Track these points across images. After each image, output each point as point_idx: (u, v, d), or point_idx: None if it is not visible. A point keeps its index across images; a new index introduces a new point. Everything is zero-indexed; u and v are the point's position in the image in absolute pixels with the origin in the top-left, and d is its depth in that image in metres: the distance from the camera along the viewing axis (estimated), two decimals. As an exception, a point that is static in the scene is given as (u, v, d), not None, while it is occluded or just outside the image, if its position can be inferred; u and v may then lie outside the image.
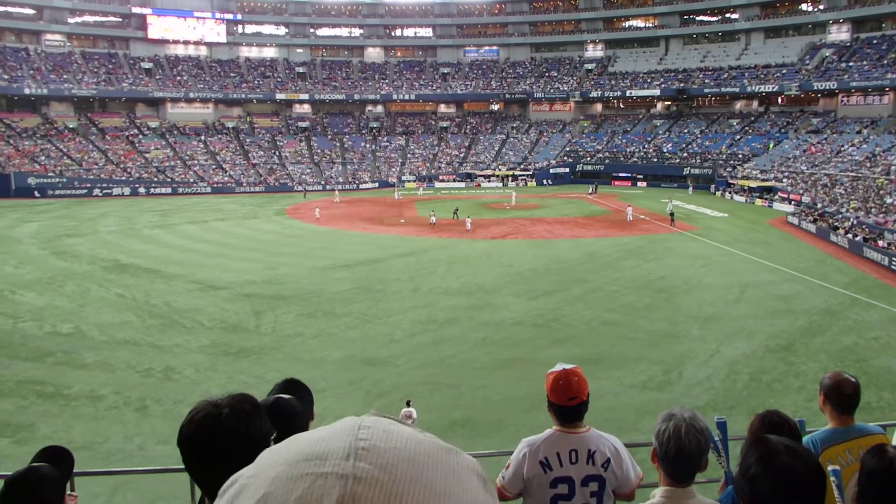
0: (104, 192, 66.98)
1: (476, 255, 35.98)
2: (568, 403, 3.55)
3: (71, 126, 77.02)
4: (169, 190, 70.05)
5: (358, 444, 0.72)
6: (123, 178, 70.39)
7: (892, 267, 31.78)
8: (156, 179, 71.85)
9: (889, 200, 44.58)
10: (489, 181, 78.52)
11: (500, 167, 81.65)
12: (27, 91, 74.62)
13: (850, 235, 37.98)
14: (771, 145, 70.78)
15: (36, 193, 63.61)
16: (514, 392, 16.61)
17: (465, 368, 19.04)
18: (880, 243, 35.13)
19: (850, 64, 70.75)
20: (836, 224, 41.51)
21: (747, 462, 2.15)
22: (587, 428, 3.62)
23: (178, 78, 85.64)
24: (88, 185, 67.20)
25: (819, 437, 3.87)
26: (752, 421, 3.58)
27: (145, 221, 49.02)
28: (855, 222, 40.79)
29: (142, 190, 68.71)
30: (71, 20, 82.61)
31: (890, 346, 21.05)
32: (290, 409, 2.64)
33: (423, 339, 21.99)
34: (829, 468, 3.09)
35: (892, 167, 53.29)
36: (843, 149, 62.91)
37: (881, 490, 2.62)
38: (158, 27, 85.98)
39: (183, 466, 1.94)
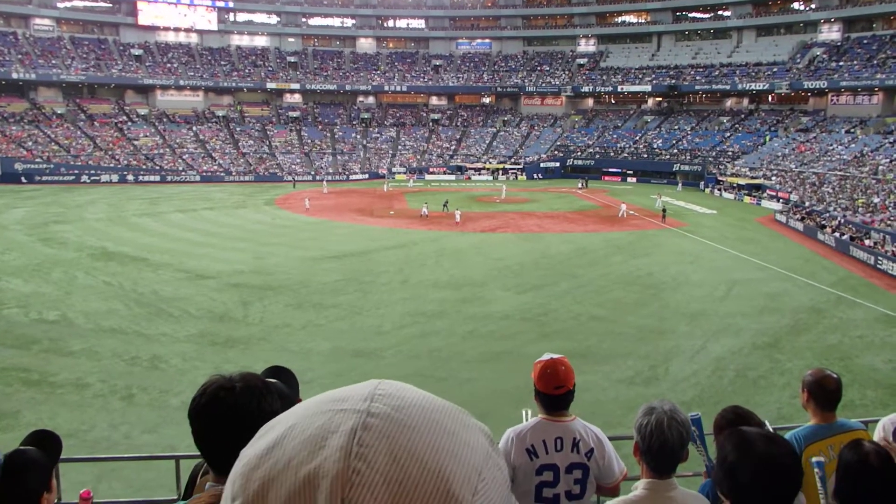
0: (92, 178, 66.56)
1: (465, 249, 35.99)
2: (554, 392, 3.60)
3: (59, 112, 76.45)
4: (157, 178, 69.71)
5: (376, 391, 0.80)
6: (112, 165, 69.97)
7: (878, 266, 32.02)
8: (144, 167, 71.47)
9: (876, 200, 44.90)
10: (479, 174, 78.56)
11: (490, 160, 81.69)
12: (15, 76, 73.98)
13: (836, 234, 38.22)
14: (767, 138, 71.15)
15: (23, 179, 63.16)
16: (502, 385, 16.64)
17: (453, 361, 19.06)
18: (867, 242, 35.37)
19: (841, 63, 71.10)
20: (823, 222, 41.77)
21: (724, 453, 2.17)
22: (573, 417, 3.68)
23: (169, 65, 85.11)
24: (76, 171, 66.77)
25: (801, 434, 3.91)
26: (715, 418, 3.58)
27: (133, 209, 48.74)
28: (842, 221, 41.05)
29: (130, 177, 68.32)
30: (60, 5, 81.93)
31: (874, 344, 21.23)
32: (280, 393, 2.64)
33: (411, 331, 21.99)
34: (814, 460, 3.13)
35: (880, 167, 53.66)
36: (831, 148, 63.28)
37: (857, 483, 2.66)
38: (149, 13, 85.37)
39: (168, 454, 1.94)
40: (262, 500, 0.69)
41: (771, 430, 3.62)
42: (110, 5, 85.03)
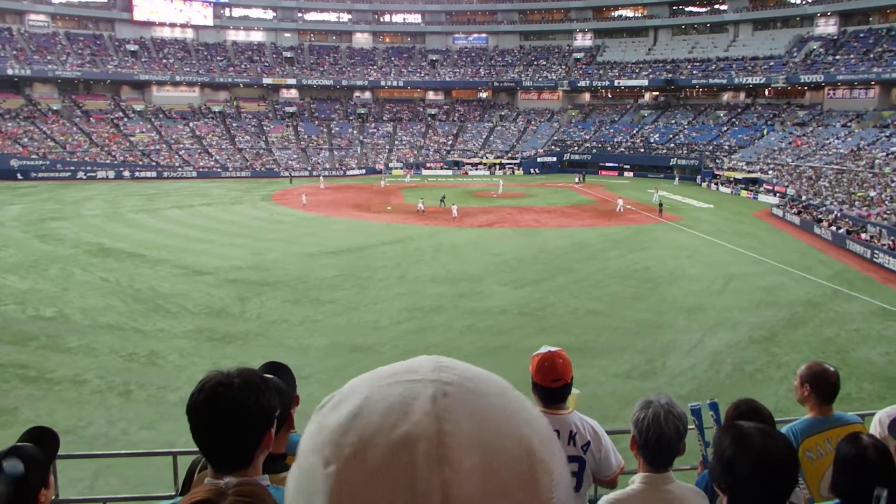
0: (88, 175, 66.35)
1: (463, 244, 36.00)
2: (552, 385, 3.61)
3: (55, 108, 76.21)
4: (154, 174, 69.53)
5: (440, 363, 0.83)
6: (108, 161, 69.77)
7: (875, 259, 32.09)
8: (141, 163, 71.28)
9: (872, 194, 44.97)
10: (476, 169, 78.45)
11: (487, 155, 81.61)
12: (10, 72, 73.68)
13: (833, 228, 38.29)
14: (765, 132, 71.20)
15: (19, 176, 62.93)
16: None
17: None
18: (863, 236, 35.45)
19: (837, 57, 71.09)
20: (819, 216, 41.83)
21: (722, 448, 2.18)
22: (570, 410, 3.69)
23: (165, 61, 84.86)
24: (72, 168, 66.56)
25: (798, 427, 3.92)
26: (727, 410, 3.65)
27: (130, 205, 48.66)
28: (838, 215, 41.12)
29: (126, 174, 68.13)
30: (55, 0, 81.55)
31: (871, 337, 21.30)
32: (277, 389, 2.65)
33: (408, 326, 22.01)
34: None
35: (877, 161, 53.72)
36: (828, 142, 63.31)
37: (855, 476, 2.67)
38: (144, 9, 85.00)
39: (166, 450, 1.95)
40: (359, 463, 0.72)
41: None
42: (106, 1, 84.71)
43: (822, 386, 3.93)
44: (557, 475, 0.78)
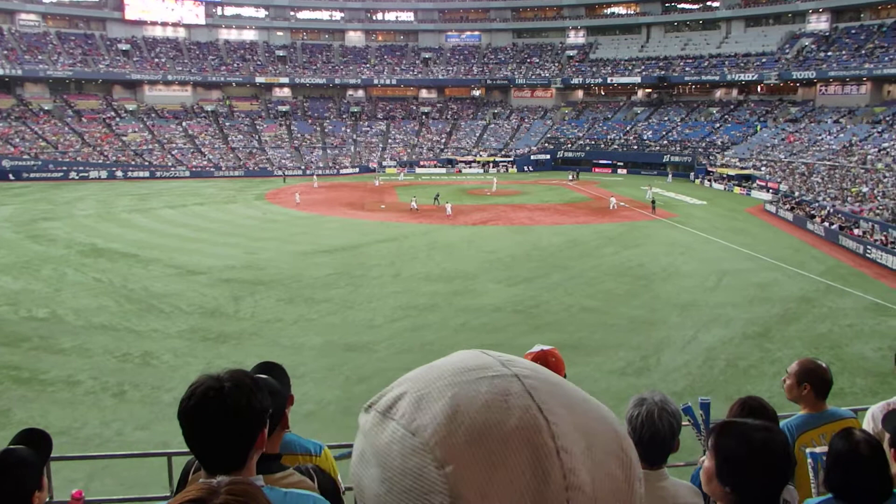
0: (80, 175, 66.09)
1: (457, 242, 36.00)
2: None
3: (46, 108, 75.90)
4: (147, 174, 69.28)
5: (501, 357, 0.85)
6: (100, 161, 69.52)
7: (867, 255, 32.21)
8: (133, 163, 71.04)
9: (865, 190, 45.14)
10: (470, 167, 78.44)
11: (481, 153, 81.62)
12: (1, 72, 73.37)
13: (826, 224, 38.42)
14: (758, 128, 71.42)
15: (10, 176, 62.64)
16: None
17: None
18: (856, 232, 35.57)
19: (829, 53, 71.35)
20: (812, 212, 41.97)
21: (725, 443, 2.20)
22: None
23: (157, 60, 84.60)
24: (64, 168, 66.30)
25: (794, 424, 3.94)
26: (732, 406, 3.66)
27: (123, 205, 48.51)
28: (831, 211, 41.26)
29: (119, 173, 67.88)
30: (46, 0, 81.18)
31: (863, 332, 21.39)
32: (271, 389, 2.65)
33: (403, 324, 22.01)
34: (808, 451, 3.15)
35: (869, 156, 53.94)
36: (820, 138, 63.53)
37: (847, 472, 2.68)
38: (136, 8, 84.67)
39: (160, 451, 1.95)
40: (477, 459, 0.73)
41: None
42: (97, 0, 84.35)
43: (818, 382, 3.95)
44: (636, 453, 0.82)
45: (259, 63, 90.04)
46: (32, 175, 63.89)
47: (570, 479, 0.72)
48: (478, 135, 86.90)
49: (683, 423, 3.31)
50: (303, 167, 75.39)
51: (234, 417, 1.88)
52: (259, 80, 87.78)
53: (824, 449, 3.29)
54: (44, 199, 50.77)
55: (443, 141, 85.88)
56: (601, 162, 76.85)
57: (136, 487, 9.99)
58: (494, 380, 0.80)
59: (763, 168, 59.93)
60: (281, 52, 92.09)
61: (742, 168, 62.05)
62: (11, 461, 2.66)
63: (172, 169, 71.13)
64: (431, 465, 0.75)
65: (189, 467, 2.69)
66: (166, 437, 13.17)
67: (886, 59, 65.75)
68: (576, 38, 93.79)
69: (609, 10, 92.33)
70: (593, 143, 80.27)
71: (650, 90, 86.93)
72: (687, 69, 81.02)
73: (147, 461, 9.71)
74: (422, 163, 79.43)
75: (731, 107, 79.98)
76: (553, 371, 2.94)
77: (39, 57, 77.08)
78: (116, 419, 15.14)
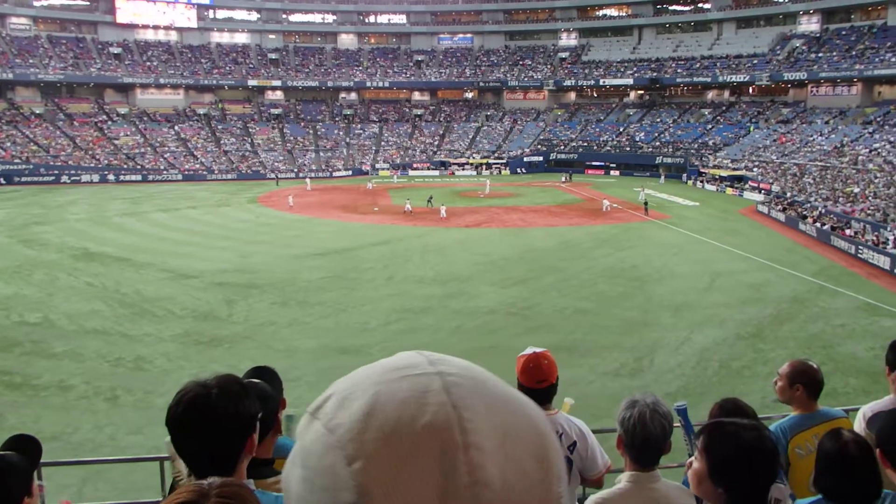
0: (72, 179, 65.80)
1: (450, 244, 36.00)
2: (537, 386, 3.62)
3: (37, 112, 75.57)
4: (139, 177, 69.06)
5: (431, 357, 0.86)
6: (92, 165, 69.25)
7: (859, 255, 32.35)
8: (125, 166, 70.81)
9: (856, 190, 45.34)
10: (463, 169, 78.46)
11: (474, 155, 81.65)
12: (-8, 76, 73.08)
13: (818, 224, 38.57)
14: (751, 128, 71.69)
15: (1, 180, 62.31)
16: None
17: None
18: (847, 232, 35.72)
19: (820, 55, 71.66)
20: (804, 213, 42.13)
21: (716, 444, 2.21)
22: (555, 410, 3.70)
23: (148, 63, 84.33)
24: (56, 171, 66.00)
25: (787, 425, 3.94)
26: (712, 409, 3.69)
27: (115, 209, 48.34)
28: (823, 211, 41.42)
29: (111, 177, 67.62)
30: (37, 3, 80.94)
31: (856, 332, 21.47)
32: (263, 393, 2.64)
33: (397, 327, 22.00)
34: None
35: (860, 157, 54.20)
36: (811, 139, 63.80)
37: (836, 472, 2.69)
38: (127, 11, 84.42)
39: (153, 456, 1.95)
40: (386, 455, 0.75)
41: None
42: (88, 3, 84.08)
43: (811, 383, 3.96)
44: (561, 453, 0.82)
45: (251, 66, 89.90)
46: (24, 179, 63.58)
47: (476, 474, 0.72)
48: (471, 137, 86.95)
49: (675, 424, 3.32)
50: (296, 170, 75.28)
51: (222, 424, 1.88)
52: (251, 83, 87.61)
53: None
54: (35, 204, 50.56)
55: (436, 143, 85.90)
56: (594, 164, 76.97)
57: (130, 492, 9.94)
58: (417, 378, 0.81)
59: (755, 169, 60.13)
60: (273, 55, 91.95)
61: (734, 169, 62.23)
62: (0, 467, 2.65)
63: (165, 172, 70.93)
64: (343, 461, 0.76)
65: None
66: (159, 442, 13.03)
67: (877, 60, 66.08)
68: (568, 40, 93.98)
69: (601, 12, 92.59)
70: (586, 144, 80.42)
71: (642, 92, 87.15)
72: (679, 71, 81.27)
73: (140, 466, 9.64)
74: (415, 165, 79.44)
75: (723, 108, 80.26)
76: (546, 373, 2.96)
77: (31, 60, 76.75)
78: (109, 424, 15.08)
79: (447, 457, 0.73)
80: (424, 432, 0.75)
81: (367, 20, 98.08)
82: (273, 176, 71.96)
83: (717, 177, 62.66)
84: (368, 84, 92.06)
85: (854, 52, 69.11)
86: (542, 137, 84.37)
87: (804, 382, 3.95)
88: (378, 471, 0.74)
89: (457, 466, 0.73)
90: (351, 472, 0.75)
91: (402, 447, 0.74)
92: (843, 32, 73.23)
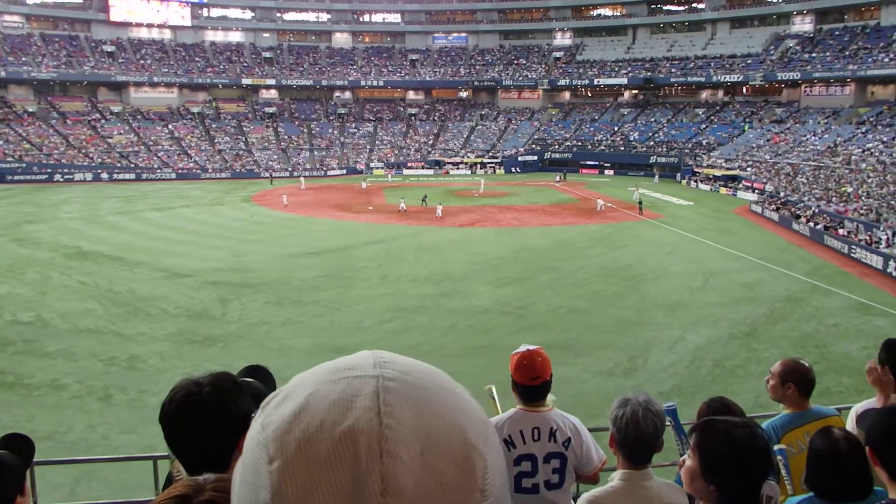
0: (65, 177, 65.57)
1: (444, 243, 36.00)
2: (531, 383, 3.63)
3: (30, 110, 75.27)
4: (132, 176, 68.85)
5: (379, 359, 0.86)
6: (85, 163, 69.02)
7: (852, 255, 32.47)
8: (119, 165, 70.59)
9: (849, 190, 45.49)
10: (458, 168, 78.47)
11: (468, 155, 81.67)
12: (-16, 74, 72.75)
13: (811, 224, 38.69)
14: (746, 127, 71.93)
15: (-6, 179, 62.13)
16: (483, 379, 16.55)
17: (434, 356, 19.06)
18: (840, 232, 35.84)
19: (814, 55, 71.86)
20: (798, 212, 42.25)
21: (708, 441, 2.23)
22: (550, 407, 3.71)
23: (142, 62, 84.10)
24: (49, 170, 65.77)
25: (779, 423, 3.96)
26: (700, 408, 3.71)
27: (108, 208, 48.19)
28: (816, 211, 41.56)
29: (104, 176, 67.41)
30: (30, 1, 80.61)
31: (849, 332, 21.55)
32: (256, 392, 2.64)
33: (391, 326, 21.99)
34: (776, 448, 3.19)
35: (853, 157, 54.39)
36: (805, 139, 64.00)
37: (827, 470, 2.71)
38: (121, 9, 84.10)
39: (146, 455, 1.96)
40: (303, 458, 0.75)
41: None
42: (81, 1, 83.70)
43: (803, 381, 3.98)
44: (491, 461, 0.81)
45: (245, 65, 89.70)
46: (16, 177, 63.32)
47: (388, 483, 0.72)
48: (465, 136, 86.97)
49: (667, 423, 3.34)
50: (290, 169, 75.18)
51: (215, 422, 1.89)
52: (246, 81, 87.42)
53: (782, 447, 3.35)
54: (28, 202, 50.37)
55: (430, 142, 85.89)
56: (588, 163, 77.05)
57: (124, 491, 9.93)
58: (353, 381, 0.81)
59: (749, 169, 60.31)
60: (267, 54, 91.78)
61: (728, 169, 62.41)
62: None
63: (158, 171, 70.73)
64: (265, 459, 0.78)
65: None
66: (153, 441, 13.08)
67: (870, 60, 66.31)
68: (562, 39, 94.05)
69: (595, 12, 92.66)
70: (580, 144, 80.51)
71: (636, 91, 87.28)
72: (673, 70, 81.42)
73: (133, 465, 9.64)
74: (409, 164, 79.38)
75: (717, 108, 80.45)
76: (539, 370, 2.96)
77: (23, 58, 76.44)
78: (102, 423, 15.05)
79: (361, 464, 0.73)
80: (342, 438, 0.75)
81: (361, 19, 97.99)
82: (267, 175, 71.88)
83: (710, 176, 62.83)
84: (363, 83, 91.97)
85: (847, 53, 69.34)
86: (536, 137, 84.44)
87: (796, 381, 3.97)
88: (293, 473, 0.75)
89: (369, 474, 0.73)
90: (269, 472, 0.76)
91: (320, 452, 0.75)
92: (837, 33, 73.47)
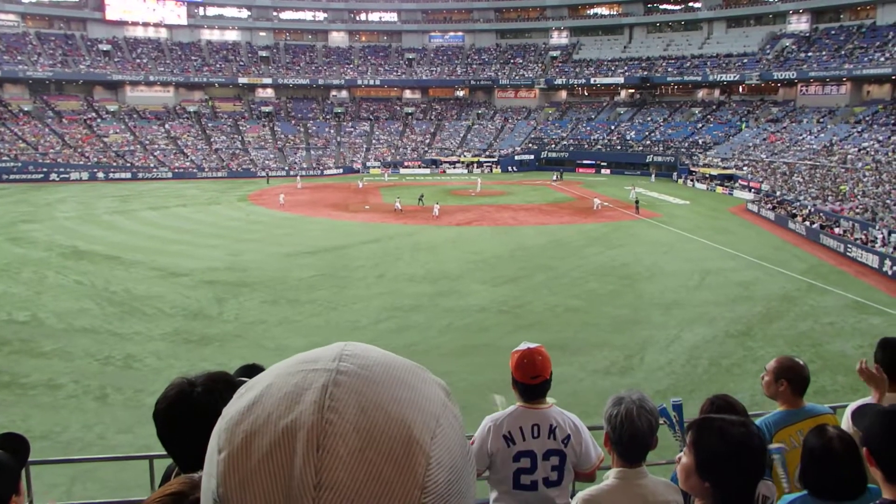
0: (61, 176, 65.46)
1: (441, 242, 36.00)
2: (531, 381, 3.64)
3: (26, 109, 75.10)
4: (129, 175, 68.73)
5: (344, 352, 0.87)
6: (81, 162, 68.89)
7: (848, 254, 32.54)
8: (115, 164, 70.44)
9: (845, 188, 45.58)
10: (454, 168, 78.48)
11: (465, 154, 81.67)
12: (-21, 73, 72.53)
13: (807, 223, 38.76)
14: (743, 125, 72.02)
15: (-10, 178, 61.97)
16: (479, 378, 16.68)
17: (430, 355, 19.07)
18: (836, 230, 35.92)
19: (810, 54, 71.99)
20: (794, 211, 42.33)
21: (704, 439, 2.24)
22: (550, 405, 3.71)
23: (138, 60, 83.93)
24: (45, 169, 65.63)
25: (771, 421, 3.96)
26: (703, 405, 3.71)
27: (104, 207, 48.10)
28: (812, 210, 41.64)
29: (100, 175, 67.26)
30: (25, 0, 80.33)
31: (844, 330, 21.60)
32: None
33: (387, 325, 21.98)
34: (772, 447, 3.19)
35: (849, 156, 54.50)
36: (801, 138, 64.11)
37: (821, 467, 2.72)
38: (117, 8, 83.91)
39: (142, 454, 1.97)
40: (246, 450, 0.78)
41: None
42: (77, 0, 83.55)
43: (798, 379, 3.98)
44: (436, 459, 0.80)
45: (242, 64, 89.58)
46: (12, 177, 63.18)
47: (322, 476, 0.74)
48: (462, 135, 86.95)
49: (661, 421, 3.34)
50: (286, 168, 75.11)
51: (206, 420, 1.88)
52: (242, 80, 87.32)
53: (779, 446, 3.35)
54: (24, 201, 50.25)
55: (427, 141, 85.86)
56: (585, 162, 77.12)
57: (120, 490, 9.91)
58: (309, 374, 0.83)
59: (745, 168, 60.40)
60: (264, 53, 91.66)
61: (724, 168, 62.49)
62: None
63: (155, 170, 70.62)
64: (216, 448, 0.81)
65: (171, 470, 2.68)
66: (149, 441, 13.02)
67: (866, 59, 66.45)
68: (559, 38, 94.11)
69: (592, 11, 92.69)
70: (577, 143, 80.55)
71: (633, 90, 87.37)
72: (669, 70, 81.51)
73: (129, 464, 9.63)
74: (406, 163, 79.37)
75: (714, 107, 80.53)
76: (540, 368, 2.97)
77: (19, 57, 76.23)
78: (98, 423, 15.02)
79: (297, 457, 0.75)
80: (284, 431, 0.77)
81: (358, 18, 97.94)
82: (264, 174, 71.82)
83: (707, 175, 62.91)
84: (359, 82, 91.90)
85: (843, 52, 69.47)
86: (533, 136, 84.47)
87: (789, 378, 3.98)
88: (236, 463, 0.77)
89: (305, 467, 0.74)
90: (217, 461, 0.80)
91: (262, 444, 0.77)
92: (833, 32, 73.60)
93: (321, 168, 77.07)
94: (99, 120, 77.76)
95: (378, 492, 0.75)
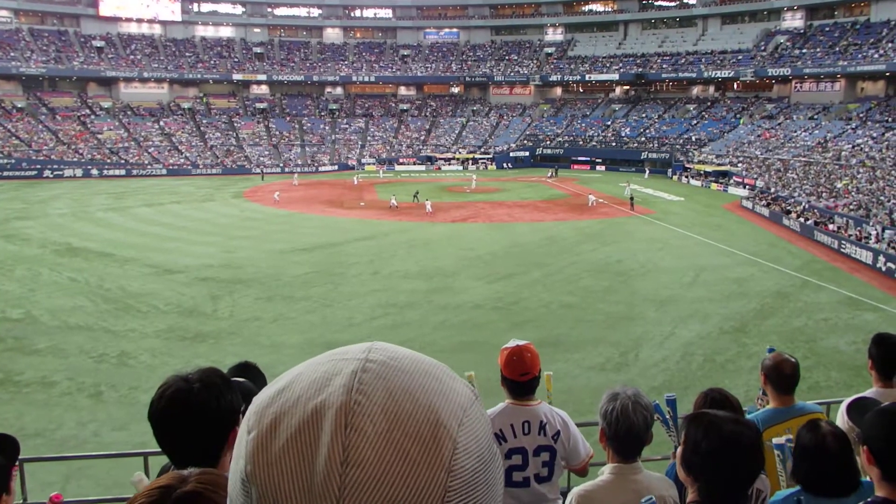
0: (55, 173, 65.25)
1: (436, 239, 35.98)
2: (520, 378, 3.65)
3: (19, 105, 74.79)
4: (123, 172, 68.57)
5: (374, 346, 0.91)
6: (75, 159, 68.69)
7: (842, 250, 32.63)
8: (109, 161, 70.25)
9: (839, 185, 45.70)
10: (449, 164, 78.48)
11: (460, 150, 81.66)
12: (-28, 69, 72.19)
13: (801, 219, 38.85)
14: (742, 120, 72.14)
15: (-17, 175, 61.73)
16: (475, 374, 16.68)
17: (425, 352, 18.23)
18: (830, 227, 36.00)
19: (804, 51, 72.13)
20: (788, 208, 42.41)
21: (694, 435, 2.23)
22: (539, 401, 3.73)
23: (132, 57, 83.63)
24: (38, 166, 65.39)
25: (760, 417, 3.98)
26: (697, 399, 3.72)
27: (98, 204, 47.95)
28: (806, 206, 41.73)
29: (94, 172, 67.07)
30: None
31: (838, 326, 21.66)
32: (247, 390, 2.63)
33: (382, 322, 21.96)
34: (775, 442, 3.19)
35: (843, 153, 54.63)
36: (795, 134, 64.25)
37: (814, 463, 2.72)
38: (110, 4, 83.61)
39: (137, 451, 1.96)
40: (274, 430, 0.81)
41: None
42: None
43: (777, 376, 3.99)
44: (464, 445, 0.82)
45: (236, 60, 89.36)
46: (5, 174, 62.94)
47: (349, 454, 0.76)
48: (457, 132, 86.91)
49: (666, 413, 3.35)
50: (281, 165, 75.02)
51: (203, 418, 1.88)
52: (236, 77, 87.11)
53: (786, 438, 3.35)
54: (17, 198, 50.06)
55: (422, 138, 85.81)
56: (580, 159, 77.18)
57: (115, 488, 9.87)
58: (338, 362, 0.87)
59: (739, 164, 60.51)
60: (258, 49, 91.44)
61: (719, 164, 62.60)
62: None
63: (149, 167, 70.46)
64: (245, 430, 0.84)
65: (167, 468, 2.67)
66: (144, 438, 12.99)
67: (860, 56, 66.59)
68: (554, 35, 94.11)
69: (587, 8, 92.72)
70: (572, 139, 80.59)
71: (628, 87, 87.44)
72: (664, 66, 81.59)
73: (124, 462, 9.60)
74: (401, 160, 79.34)
75: (708, 104, 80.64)
76: (528, 365, 2.98)
77: (12, 54, 75.91)
78: (93, 420, 14.98)
79: (326, 436, 0.77)
80: (313, 411, 0.80)
81: (352, 14, 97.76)
82: (258, 171, 71.71)
83: (701, 172, 63.01)
84: (354, 78, 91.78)
85: (837, 49, 69.63)
86: (528, 132, 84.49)
87: (769, 375, 4.00)
88: (265, 442, 0.80)
89: (333, 445, 0.77)
90: (247, 441, 0.82)
91: (292, 423, 0.80)
92: (827, 28, 73.76)
93: (316, 165, 76.98)
94: (93, 116, 77.50)
95: (404, 471, 0.77)
